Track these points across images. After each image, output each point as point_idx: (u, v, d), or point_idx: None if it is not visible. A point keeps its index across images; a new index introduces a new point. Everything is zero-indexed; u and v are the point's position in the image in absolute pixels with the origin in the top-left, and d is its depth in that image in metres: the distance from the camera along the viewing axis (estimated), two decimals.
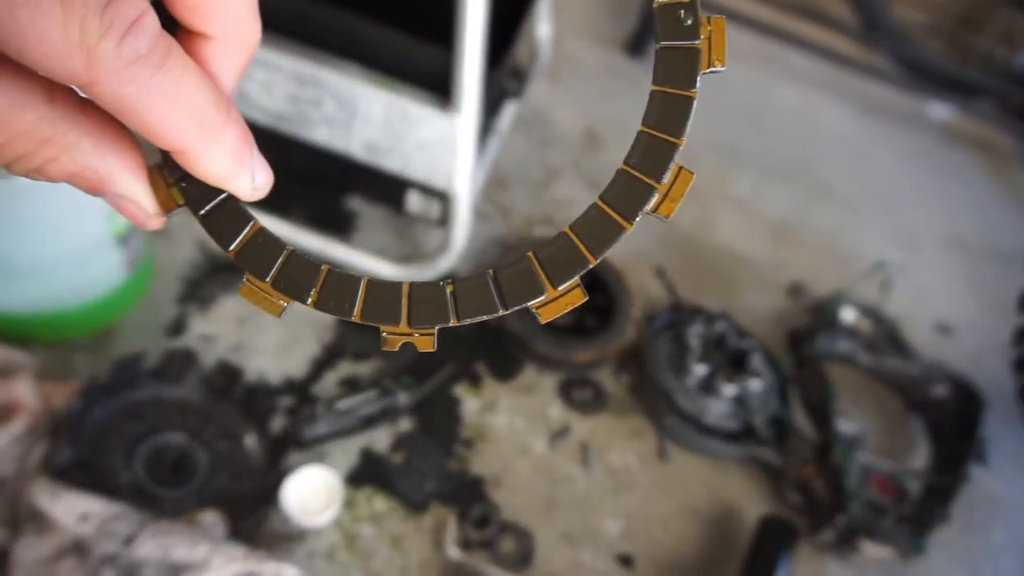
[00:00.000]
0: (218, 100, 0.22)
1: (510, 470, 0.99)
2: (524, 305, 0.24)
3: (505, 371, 1.07)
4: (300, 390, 0.98)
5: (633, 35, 1.68)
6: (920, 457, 1.12)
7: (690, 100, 0.25)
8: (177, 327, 0.99)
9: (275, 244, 0.25)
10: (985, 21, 1.96)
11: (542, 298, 0.24)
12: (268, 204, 1.13)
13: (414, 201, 1.14)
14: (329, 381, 1.00)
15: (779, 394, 1.08)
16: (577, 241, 0.25)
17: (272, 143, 1.09)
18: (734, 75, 1.77)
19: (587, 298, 0.25)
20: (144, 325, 0.98)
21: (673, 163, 0.25)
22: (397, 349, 0.24)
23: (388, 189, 1.14)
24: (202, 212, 0.24)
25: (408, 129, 0.97)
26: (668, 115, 0.25)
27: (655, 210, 0.25)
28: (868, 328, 1.23)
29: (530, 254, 0.24)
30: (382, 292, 0.24)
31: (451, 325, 0.24)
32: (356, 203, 1.20)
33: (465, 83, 0.93)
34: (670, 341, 1.10)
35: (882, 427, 1.17)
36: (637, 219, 0.25)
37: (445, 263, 1.07)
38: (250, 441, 0.86)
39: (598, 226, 0.25)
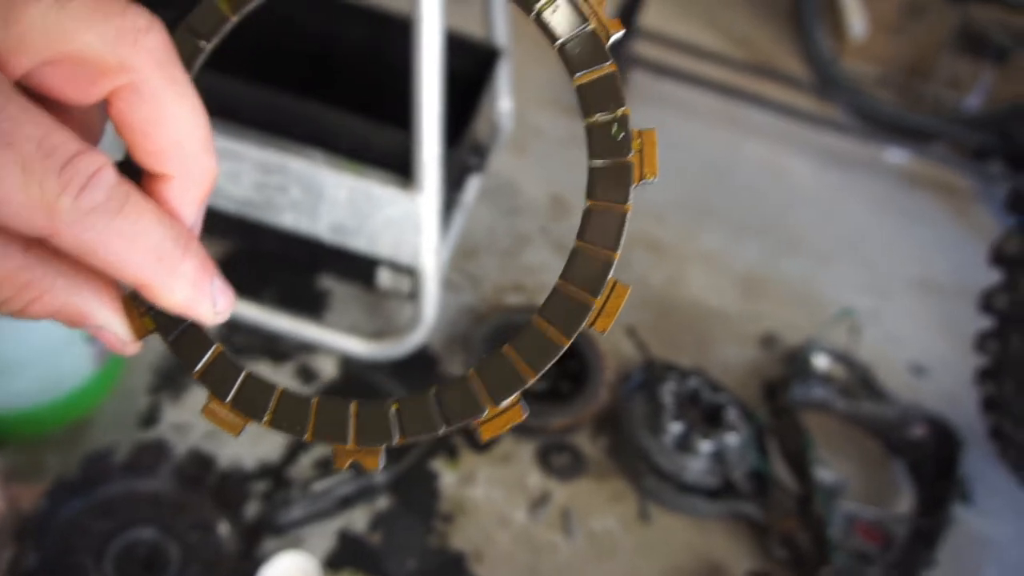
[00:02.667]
0: (177, 235, 0.24)
1: (491, 543, 0.98)
2: (465, 423, 0.25)
3: (481, 442, 1.07)
4: (275, 474, 0.97)
5: None
6: (904, 501, 1.12)
7: (623, 214, 0.25)
8: (150, 418, 0.99)
9: (234, 367, 0.27)
10: (931, 69, 2.05)
11: (483, 416, 0.25)
12: (240, 288, 1.15)
13: (385, 277, 1.16)
14: (305, 463, 1.00)
15: (757, 447, 1.08)
16: (517, 359, 0.25)
17: (241, 227, 1.12)
18: (701, 134, 1.83)
19: (526, 416, 0.25)
20: (116, 417, 0.98)
21: (608, 278, 0.26)
22: (346, 467, 0.26)
23: (359, 266, 1.16)
24: (170, 338, 0.26)
25: (373, 209, 1.00)
26: (603, 229, 0.25)
27: (591, 325, 0.25)
28: (842, 374, 1.24)
29: (472, 372, 0.26)
30: (331, 412, 0.26)
31: (395, 444, 0.26)
32: (328, 281, 1.22)
33: (425, 163, 0.96)
34: (645, 401, 1.11)
35: (864, 473, 1.17)
36: (575, 335, 0.25)
37: (416, 337, 1.08)
38: (224, 530, 0.85)
39: (537, 343, 0.25)
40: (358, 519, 0.95)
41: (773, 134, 1.89)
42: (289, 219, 1.03)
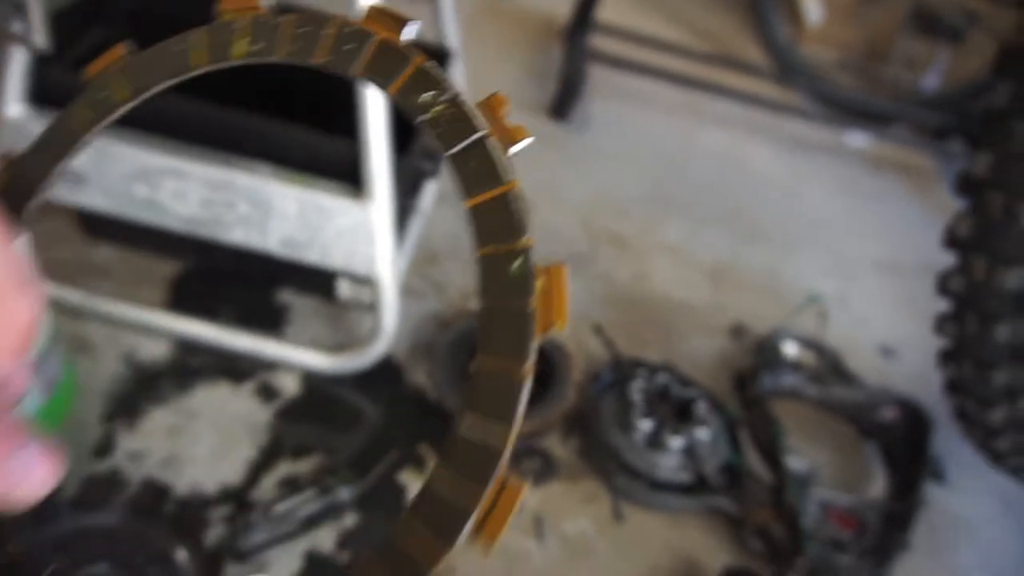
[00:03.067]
0: None
1: (462, 554, 0.96)
2: None
3: None
4: (237, 497, 0.95)
5: (555, 99, 1.72)
6: (878, 485, 1.11)
7: (521, 381, 0.20)
8: (104, 447, 0.96)
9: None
10: (888, 51, 2.06)
11: None
12: (195, 307, 1.12)
13: (344, 288, 1.13)
14: (268, 484, 0.97)
15: (729, 439, 1.07)
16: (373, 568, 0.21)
17: (193, 245, 1.09)
18: (661, 126, 1.82)
19: None
20: (69, 451, 0.94)
21: (497, 473, 0.20)
22: None
23: (318, 279, 1.13)
24: None
25: (323, 221, 0.98)
26: (494, 399, 0.20)
27: (475, 533, 0.20)
28: (811, 360, 1.24)
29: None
30: None
31: None
32: (287, 295, 1.20)
33: (374, 171, 0.94)
34: (614, 399, 1.10)
35: (837, 459, 1.16)
36: (451, 547, 0.20)
37: (378, 348, 1.06)
38: (183, 559, 0.83)
39: (400, 565, 0.21)
40: (325, 538, 0.93)
41: (734, 123, 1.89)
42: (239, 235, 1.01)
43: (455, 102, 0.24)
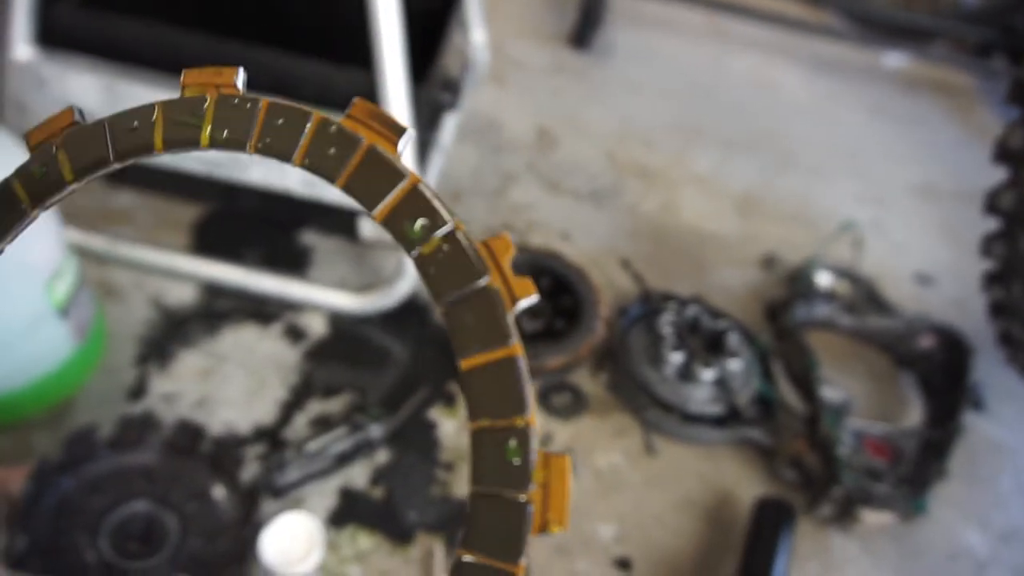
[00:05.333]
0: None
1: None
2: None
3: None
4: (271, 436, 0.95)
5: (575, 28, 1.66)
6: (915, 414, 1.10)
7: None
8: (138, 390, 0.97)
9: None
10: None
11: None
12: (221, 250, 1.11)
13: (367, 228, 1.12)
14: (300, 423, 0.98)
15: (761, 371, 1.06)
16: None
17: (216, 188, 1.07)
18: (687, 52, 1.75)
19: None
20: (103, 393, 0.96)
21: None
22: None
23: (340, 219, 1.12)
24: None
25: None
26: None
27: (544, 529, 0.18)
28: (846, 290, 1.21)
29: None
30: None
31: None
32: (311, 237, 1.18)
33: (391, 102, 0.91)
34: (644, 333, 1.08)
35: (873, 389, 1.14)
36: None
37: (402, 287, 1.05)
38: (221, 497, 0.84)
39: None
40: (358, 475, 0.94)
41: (763, 46, 1.81)
42: (257, 175, 0.99)
43: (454, 239, 0.20)
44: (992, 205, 0.88)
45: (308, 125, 0.22)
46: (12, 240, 0.23)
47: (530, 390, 0.18)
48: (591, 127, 1.49)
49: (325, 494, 0.92)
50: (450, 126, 1.19)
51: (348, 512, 0.91)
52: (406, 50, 0.89)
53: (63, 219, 0.90)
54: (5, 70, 0.95)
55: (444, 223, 0.20)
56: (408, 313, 1.10)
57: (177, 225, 1.16)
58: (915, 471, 0.96)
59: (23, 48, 0.94)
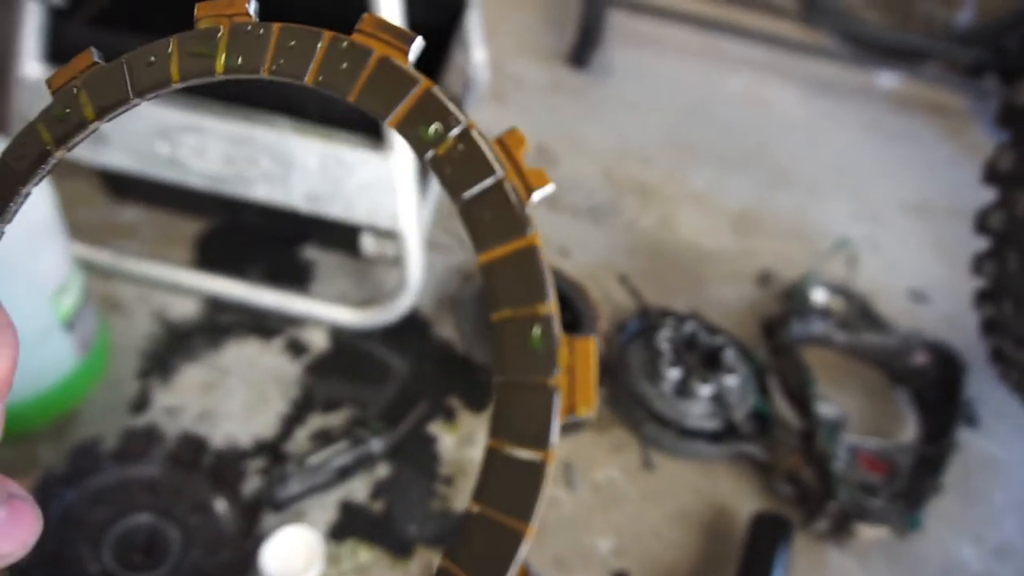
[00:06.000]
0: None
1: None
2: None
3: (479, 402, 1.06)
4: (272, 450, 0.96)
5: (573, 47, 1.68)
6: (909, 430, 1.11)
7: (542, 466, 0.18)
8: (141, 403, 0.98)
9: None
10: None
11: None
12: (223, 264, 1.13)
13: (368, 243, 1.13)
14: (301, 436, 0.99)
15: (757, 386, 1.07)
16: None
17: (218, 203, 1.09)
18: (682, 71, 1.78)
19: None
20: (106, 406, 0.96)
21: (516, 566, 0.18)
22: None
23: (342, 234, 1.13)
24: None
25: (345, 174, 0.97)
26: (509, 490, 0.18)
27: (569, 412, 0.19)
28: (841, 307, 1.22)
29: None
30: None
31: None
32: (312, 252, 1.20)
33: None
34: (641, 348, 1.09)
35: (868, 405, 1.16)
36: None
37: (404, 302, 1.06)
38: (222, 510, 0.85)
39: None
40: (358, 489, 0.95)
41: (758, 66, 1.84)
42: (263, 191, 1.00)
43: (468, 137, 0.20)
44: (982, 225, 0.90)
45: (320, 43, 0.22)
46: (39, 182, 0.24)
47: (550, 278, 0.19)
48: (589, 144, 1.51)
49: (325, 507, 0.92)
50: None
51: (348, 526, 0.91)
52: None
53: (69, 233, 0.92)
54: (15, 86, 0.97)
55: (458, 123, 0.20)
56: (408, 328, 1.11)
57: (181, 240, 1.18)
58: (910, 486, 0.97)
59: (33, 65, 0.95)
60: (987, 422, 1.15)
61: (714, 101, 1.73)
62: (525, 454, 0.18)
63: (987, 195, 1.04)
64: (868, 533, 0.92)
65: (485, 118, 1.48)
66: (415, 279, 1.05)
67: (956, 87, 1.84)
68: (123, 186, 1.17)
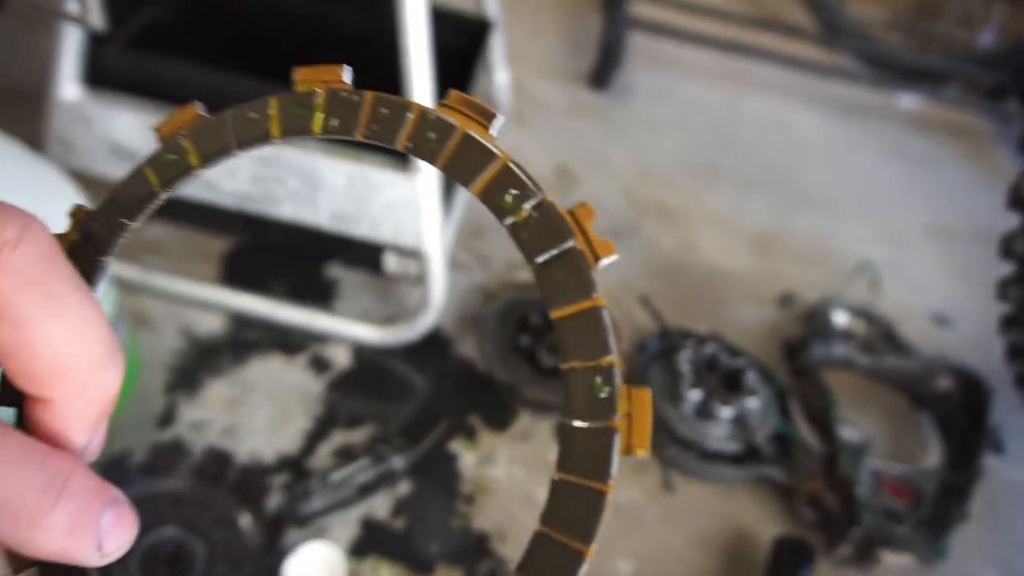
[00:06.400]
0: (46, 480, 0.20)
1: (515, 522, 0.97)
2: None
3: (500, 421, 1.06)
4: (295, 465, 0.97)
5: (594, 69, 1.70)
6: (933, 456, 1.10)
7: (602, 498, 0.20)
8: (167, 417, 1.00)
9: None
10: (942, 7, 1.98)
11: None
12: (248, 282, 1.14)
13: (391, 262, 1.14)
14: (324, 452, 1.00)
15: (779, 409, 1.07)
16: None
17: (243, 221, 1.11)
18: (703, 93, 1.79)
19: None
20: (135, 419, 0.98)
21: None
22: None
23: (365, 253, 1.15)
24: (48, 571, 0.22)
25: (371, 194, 0.99)
26: (573, 516, 0.20)
27: (626, 452, 0.21)
28: (863, 330, 1.22)
29: None
30: None
31: None
32: (336, 270, 1.21)
33: None
34: (662, 370, 1.09)
35: (890, 429, 1.15)
36: None
37: (426, 320, 1.07)
38: (246, 524, 0.85)
39: None
40: (380, 506, 0.95)
41: (778, 88, 1.85)
42: (289, 210, 1.02)
43: (543, 207, 0.23)
44: (1007, 250, 0.89)
45: (410, 114, 0.24)
46: (144, 220, 0.26)
47: (612, 335, 0.21)
48: (610, 166, 1.52)
49: (347, 524, 0.93)
50: None
51: (370, 542, 0.92)
52: (435, 92, 0.92)
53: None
54: (52, 108, 1.00)
55: (533, 194, 0.23)
56: (430, 346, 1.12)
57: (207, 257, 1.20)
58: (935, 513, 0.96)
59: (70, 87, 0.98)
60: (1013, 448, 1.14)
61: (735, 123, 1.73)
62: (588, 485, 0.20)
63: (1010, 219, 1.03)
64: (892, 560, 0.92)
65: (507, 139, 1.49)
66: (437, 298, 1.06)
67: (977, 109, 1.84)
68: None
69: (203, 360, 1.07)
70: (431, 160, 0.24)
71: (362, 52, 1.13)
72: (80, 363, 0.21)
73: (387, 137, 0.24)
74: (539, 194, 0.23)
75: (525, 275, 1.27)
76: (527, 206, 0.23)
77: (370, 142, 0.25)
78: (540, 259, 0.22)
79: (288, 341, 1.11)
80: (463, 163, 0.24)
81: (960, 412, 1.12)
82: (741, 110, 1.78)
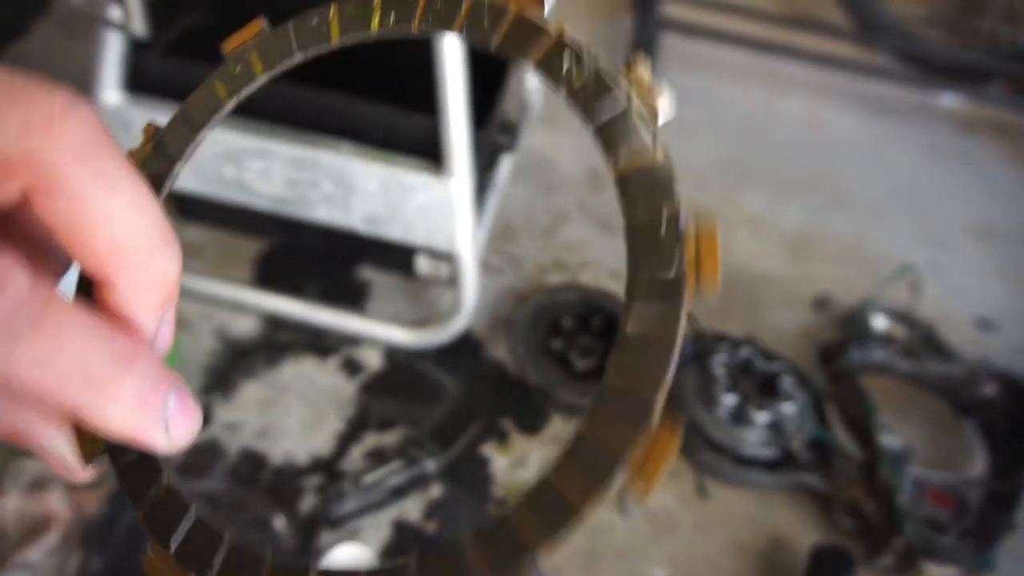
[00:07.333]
0: (116, 351, 0.20)
1: None
2: None
3: (532, 425, 1.06)
4: (327, 467, 0.98)
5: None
6: (977, 463, 1.07)
7: (673, 337, 0.20)
8: (203, 418, 1.01)
9: (182, 508, 0.23)
10: (985, 2, 1.93)
11: None
12: (282, 284, 1.15)
13: (423, 264, 1.14)
14: (356, 455, 1.00)
15: (815, 414, 1.05)
16: (523, 525, 0.19)
17: (278, 224, 1.12)
18: (737, 93, 1.76)
19: None
20: None
21: (651, 420, 0.19)
22: None
23: (397, 255, 1.15)
24: (119, 464, 0.23)
25: (405, 197, 0.99)
26: (646, 351, 0.20)
27: (634, 478, 0.20)
28: (903, 334, 1.19)
29: (466, 539, 0.20)
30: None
31: None
32: (368, 272, 1.22)
33: (454, 146, 0.94)
34: (696, 374, 1.08)
35: (932, 436, 1.12)
36: (598, 497, 0.20)
37: (458, 323, 1.07)
38: (280, 526, 0.86)
39: (550, 504, 0.19)
40: (412, 508, 0.95)
41: (813, 87, 1.81)
42: (323, 213, 1.03)
43: (598, 73, 0.23)
44: None
45: (463, 5, 0.25)
46: (213, 127, 0.27)
47: (674, 186, 0.22)
48: None
49: (380, 526, 0.93)
50: (506, 167, 1.22)
51: (402, 545, 0.92)
52: (469, 96, 0.92)
53: None
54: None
55: (590, 62, 0.23)
56: (462, 348, 1.12)
57: (242, 259, 1.21)
58: (980, 523, 0.93)
59: (112, 93, 1.00)
60: None
61: (770, 123, 1.71)
62: (659, 336, 0.20)
63: None
64: (936, 572, 0.89)
65: (537, 141, 1.49)
66: (469, 300, 1.06)
67: (1021, 108, 1.78)
68: (188, 207, 1.21)
69: (237, 361, 1.08)
70: (486, 42, 0.24)
71: (395, 65, 1.14)
72: (138, 243, 0.21)
73: (442, 25, 0.25)
74: (595, 61, 0.23)
75: (556, 277, 1.26)
76: (585, 73, 0.23)
77: (426, 34, 0.25)
78: (599, 122, 0.22)
79: (321, 343, 1.11)
80: (517, 40, 0.24)
81: (1005, 418, 1.08)
82: (776, 110, 1.75)
